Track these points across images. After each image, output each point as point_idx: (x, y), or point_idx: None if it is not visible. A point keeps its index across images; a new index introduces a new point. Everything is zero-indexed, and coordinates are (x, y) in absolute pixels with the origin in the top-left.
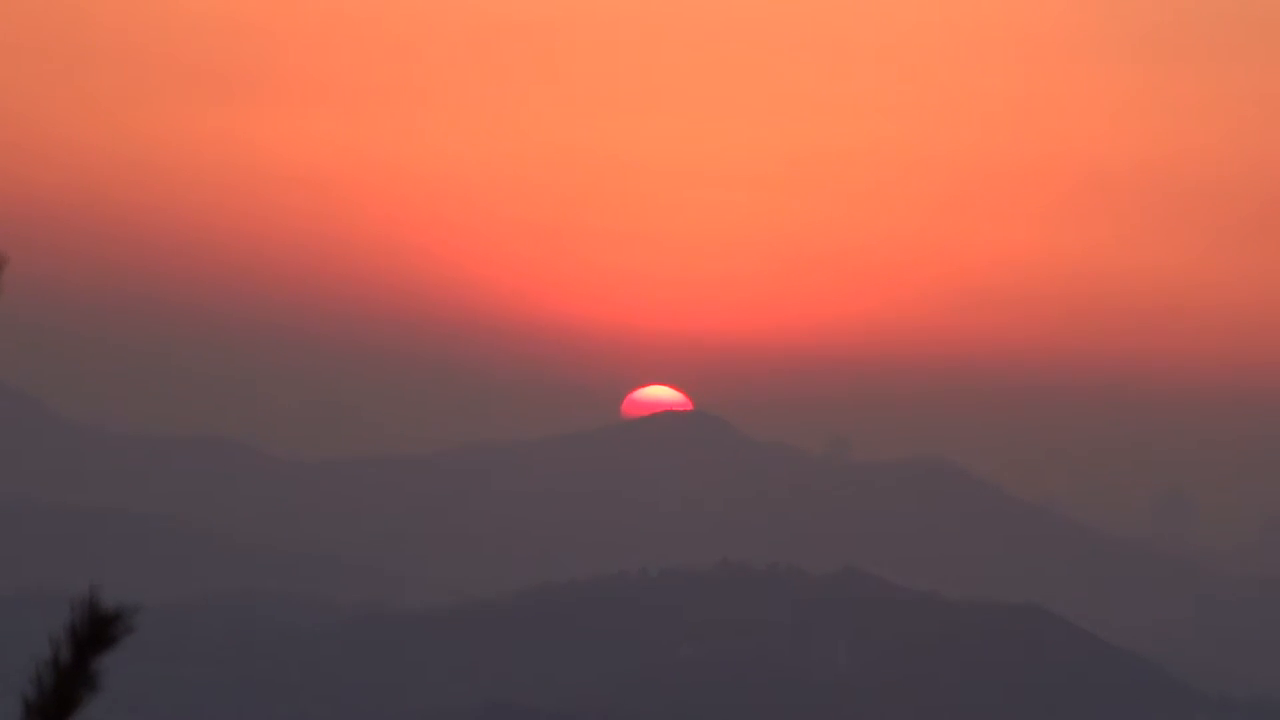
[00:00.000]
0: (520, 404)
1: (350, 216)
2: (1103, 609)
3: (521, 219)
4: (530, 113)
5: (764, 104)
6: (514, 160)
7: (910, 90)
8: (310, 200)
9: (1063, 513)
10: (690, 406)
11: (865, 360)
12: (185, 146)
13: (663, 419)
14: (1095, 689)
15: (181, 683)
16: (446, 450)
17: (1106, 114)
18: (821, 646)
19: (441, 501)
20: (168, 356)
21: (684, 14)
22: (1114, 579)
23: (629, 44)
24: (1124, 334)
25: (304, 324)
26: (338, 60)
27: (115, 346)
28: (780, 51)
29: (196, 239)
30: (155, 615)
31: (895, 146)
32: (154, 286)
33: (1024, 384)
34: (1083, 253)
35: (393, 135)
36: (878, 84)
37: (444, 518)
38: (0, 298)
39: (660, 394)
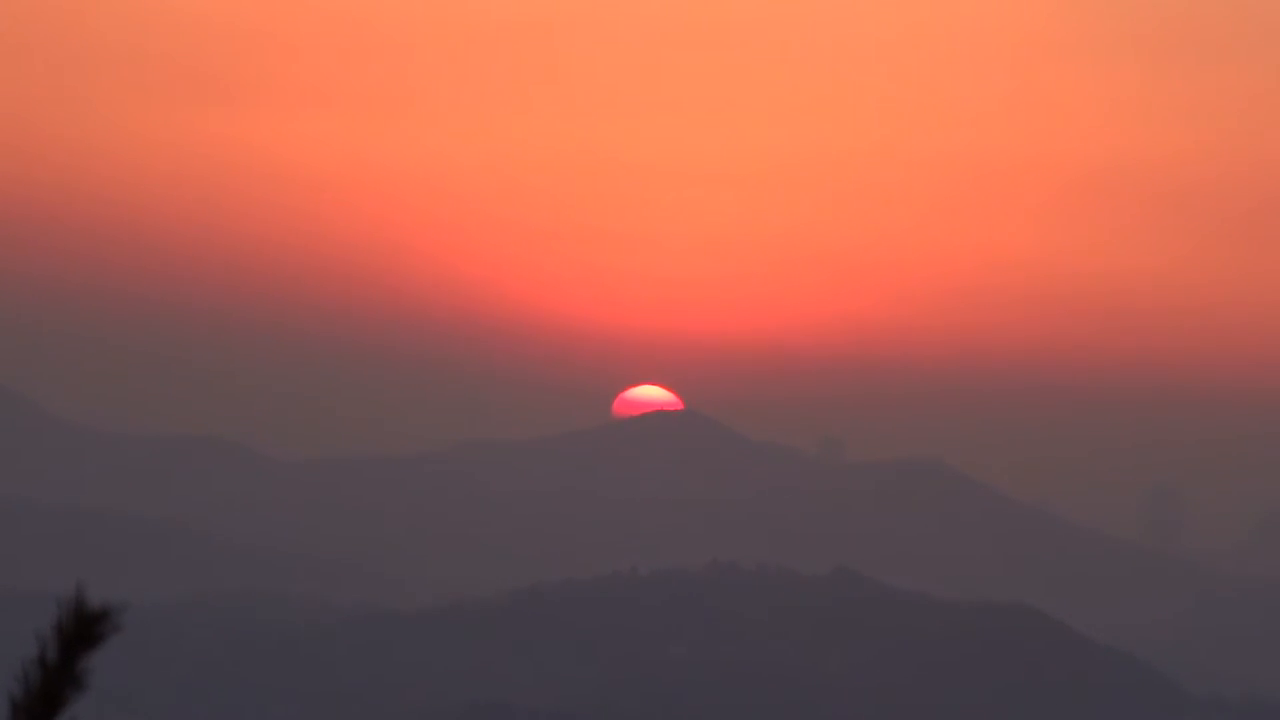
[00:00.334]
0: (512, 403)
1: (343, 217)
2: (1095, 609)
3: (513, 219)
4: (521, 114)
5: (755, 104)
6: (506, 161)
7: (902, 90)
8: (304, 200)
9: (1056, 513)
10: (681, 406)
11: (857, 360)
12: (180, 147)
13: (654, 419)
14: (1087, 689)
15: (177, 683)
16: (438, 450)
17: (1099, 114)
18: (813, 647)
19: (433, 501)
20: (162, 356)
21: (676, 15)
22: (1106, 579)
23: (619, 46)
24: (1117, 333)
25: (298, 324)
26: (332, 61)
27: (110, 346)
28: (770, 51)
29: (191, 240)
30: (150, 615)
31: (888, 146)
32: (149, 287)
33: (1017, 384)
34: (1075, 252)
35: (385, 136)
36: (869, 84)
37: (435, 517)
38: None
39: (651, 394)
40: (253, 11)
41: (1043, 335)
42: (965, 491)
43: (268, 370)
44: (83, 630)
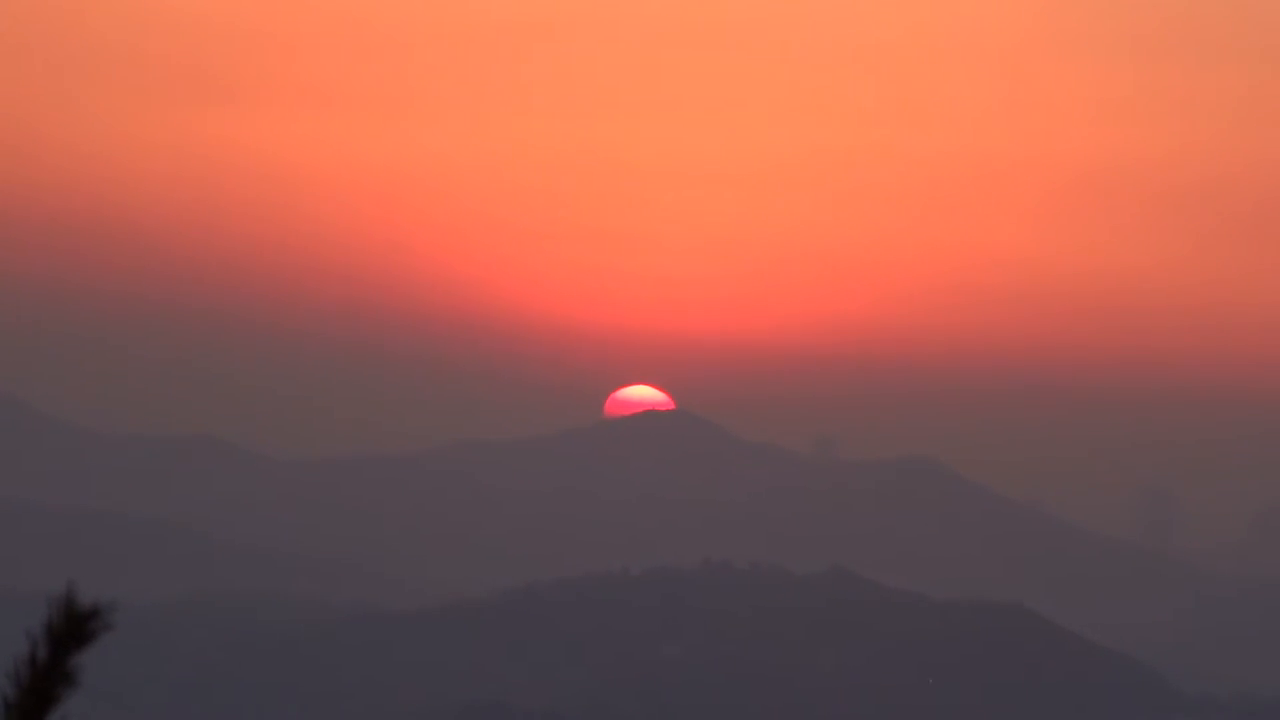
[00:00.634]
0: (504, 403)
1: (339, 216)
2: (1088, 609)
3: (507, 219)
4: (515, 114)
5: (750, 104)
6: (500, 161)
7: (896, 90)
8: (300, 200)
9: (1049, 512)
10: (674, 406)
11: (851, 359)
12: (175, 147)
13: (646, 418)
14: (1080, 689)
15: (172, 682)
16: (430, 449)
17: (1093, 113)
18: (807, 647)
19: (428, 501)
20: (159, 357)
21: (671, 16)
22: (1099, 579)
23: (615, 46)
24: (1112, 333)
25: (294, 324)
26: (328, 62)
27: (106, 347)
28: (764, 51)
29: (187, 240)
30: (148, 615)
31: (882, 145)
32: (144, 287)
33: (1010, 383)
34: (1071, 252)
35: (380, 136)
36: (863, 83)
37: (431, 517)
38: None
39: (643, 393)
40: (250, 11)
41: (1038, 335)
42: (960, 491)
43: (265, 370)
44: (73, 629)
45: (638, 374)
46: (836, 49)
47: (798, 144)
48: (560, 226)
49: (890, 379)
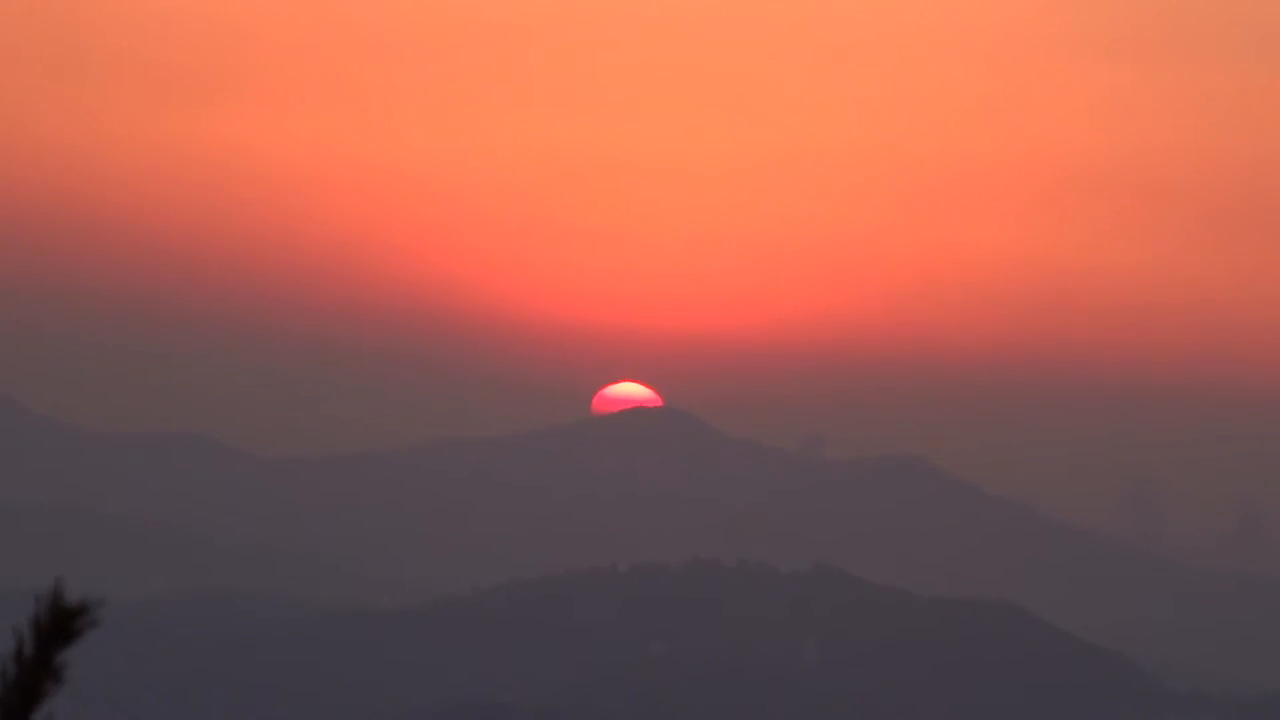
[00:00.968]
0: (491, 400)
1: (325, 214)
2: (1077, 606)
3: (493, 216)
4: (501, 112)
5: (735, 102)
6: (486, 159)
7: (883, 88)
8: (286, 198)
9: (1037, 510)
10: (661, 403)
11: (838, 357)
12: (163, 146)
13: (633, 415)
14: (1069, 686)
15: (157, 680)
16: (417, 447)
17: (1079, 112)
18: (792, 645)
19: (413, 498)
20: (142, 354)
21: (657, 14)
22: (1088, 576)
23: (601, 44)
24: (1098, 330)
25: (278, 321)
26: (316, 60)
27: (89, 344)
28: (751, 50)
29: (173, 238)
30: (129, 613)
31: (869, 144)
32: (131, 285)
33: (999, 381)
34: (1058, 249)
35: (366, 135)
36: (850, 82)
37: (415, 514)
38: None
39: (631, 390)
40: (238, 11)
41: (1026, 332)
42: (948, 489)
43: (250, 368)
44: (59, 625)
45: (625, 371)
46: (825, 47)
47: (785, 141)
48: (547, 224)
49: (878, 376)
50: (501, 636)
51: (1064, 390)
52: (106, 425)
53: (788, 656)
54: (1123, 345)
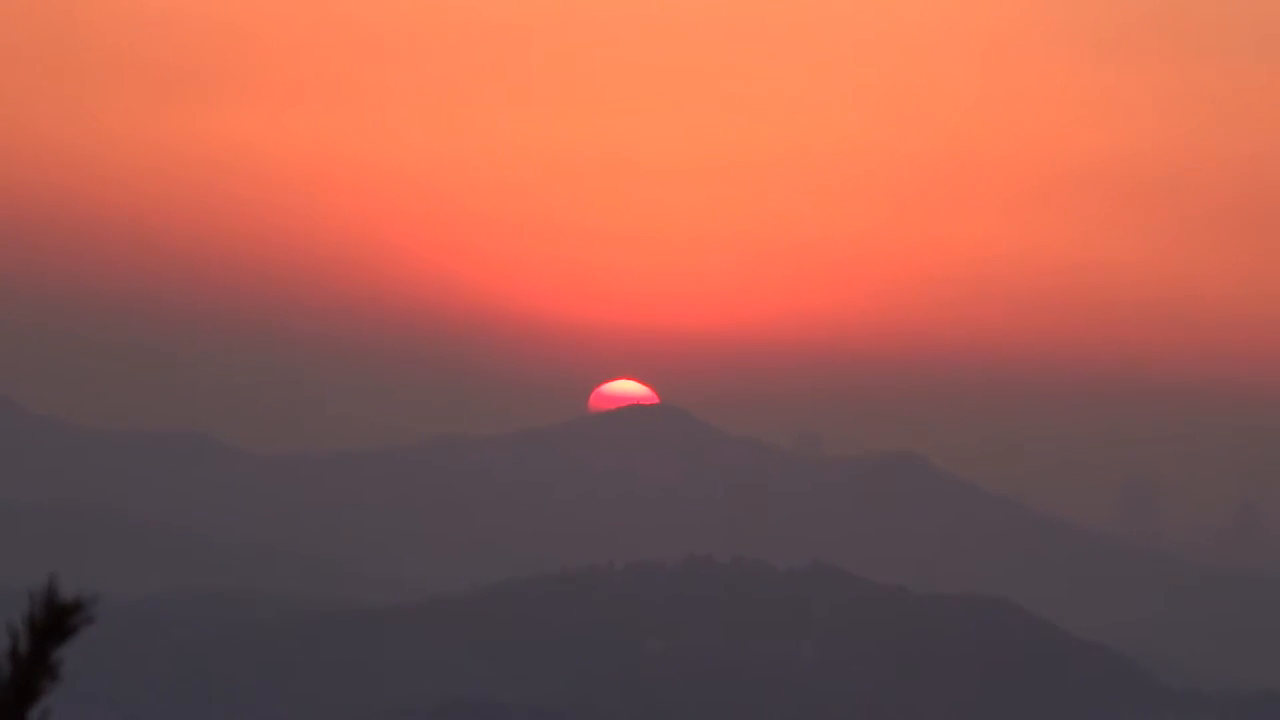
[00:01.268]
0: (486, 398)
1: (322, 212)
2: (1073, 603)
3: (490, 214)
4: (497, 111)
5: (730, 100)
6: (482, 157)
7: (877, 85)
8: (283, 196)
9: (1032, 507)
10: (657, 400)
11: (835, 354)
12: (164, 145)
13: (630, 413)
14: (1065, 684)
15: (156, 679)
16: (412, 445)
17: (1072, 110)
18: (789, 642)
19: (408, 496)
20: (139, 352)
21: (651, 12)
22: (1084, 573)
23: (595, 43)
24: (1094, 327)
25: (274, 319)
26: (313, 58)
27: (86, 342)
28: (744, 47)
29: (172, 237)
30: (128, 611)
31: (864, 141)
32: (130, 283)
33: (993, 378)
34: (1052, 247)
35: (363, 133)
36: (844, 79)
37: (411, 513)
38: None
39: (627, 388)
40: (238, 10)
41: (1021, 329)
42: (943, 486)
43: (246, 366)
44: (55, 622)
45: (622, 368)
46: (818, 45)
47: (781, 139)
48: (544, 222)
49: (875, 373)
50: (499, 634)
51: (1060, 387)
52: (105, 424)
53: (785, 654)
54: (1118, 342)
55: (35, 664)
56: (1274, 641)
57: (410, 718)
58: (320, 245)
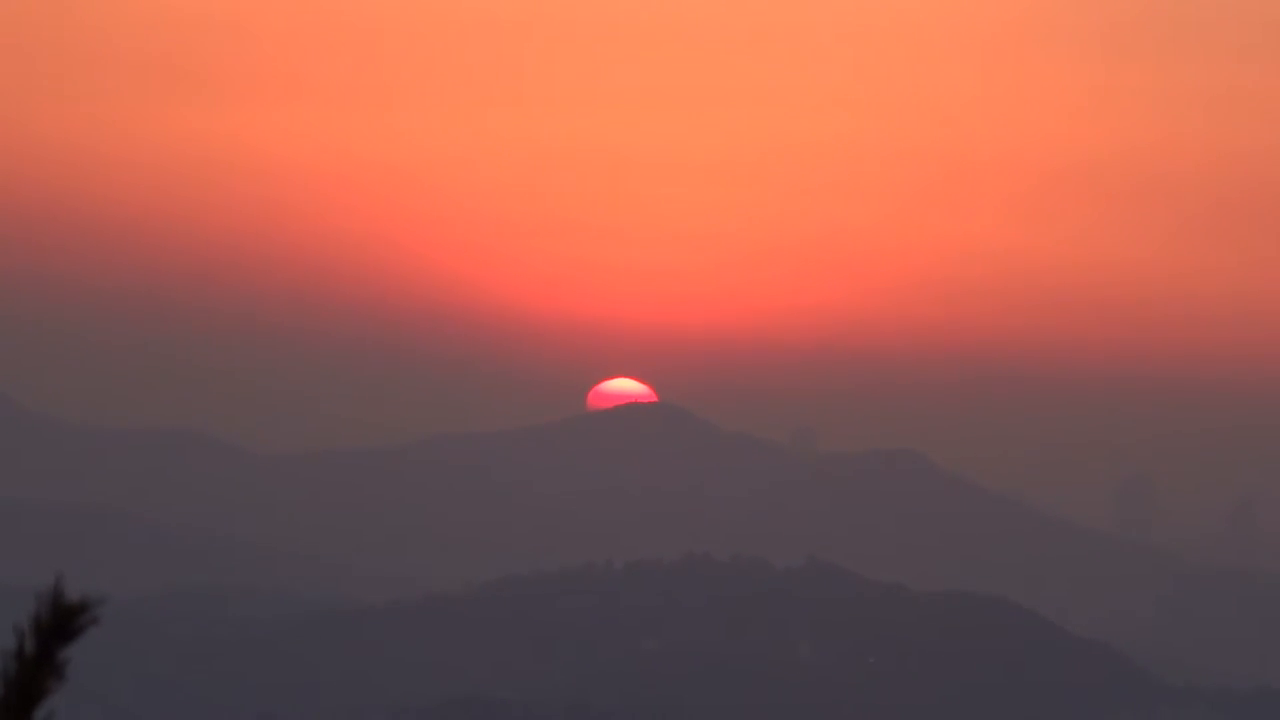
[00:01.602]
0: (484, 396)
1: (320, 210)
2: (1069, 600)
3: (488, 212)
4: (495, 107)
5: (729, 97)
6: (480, 154)
7: (876, 82)
8: (282, 194)
9: (1029, 504)
10: (655, 398)
11: (831, 351)
12: (159, 142)
13: (628, 411)
14: (1062, 680)
15: (154, 678)
16: (409, 444)
17: (1073, 108)
18: (787, 639)
19: (406, 494)
20: (137, 350)
21: (649, 9)
22: (1081, 570)
23: (593, 40)
24: (1092, 325)
25: (273, 317)
26: (310, 55)
27: (85, 341)
28: (745, 45)
29: (172, 234)
30: (127, 610)
31: (862, 138)
32: (129, 281)
33: (991, 375)
34: (1049, 245)
35: (361, 130)
36: (843, 77)
37: (408, 510)
38: None
39: (625, 386)
40: (237, 7)
41: (1017, 327)
42: (940, 483)
43: (243, 364)
44: (60, 623)
45: (619, 366)
46: (816, 42)
47: (780, 136)
48: (542, 219)
49: (871, 371)
50: (496, 633)
51: (1058, 384)
52: (105, 422)
53: (782, 652)
54: (1116, 339)
55: (41, 664)
56: (1272, 638)
57: (409, 715)
58: (319, 243)
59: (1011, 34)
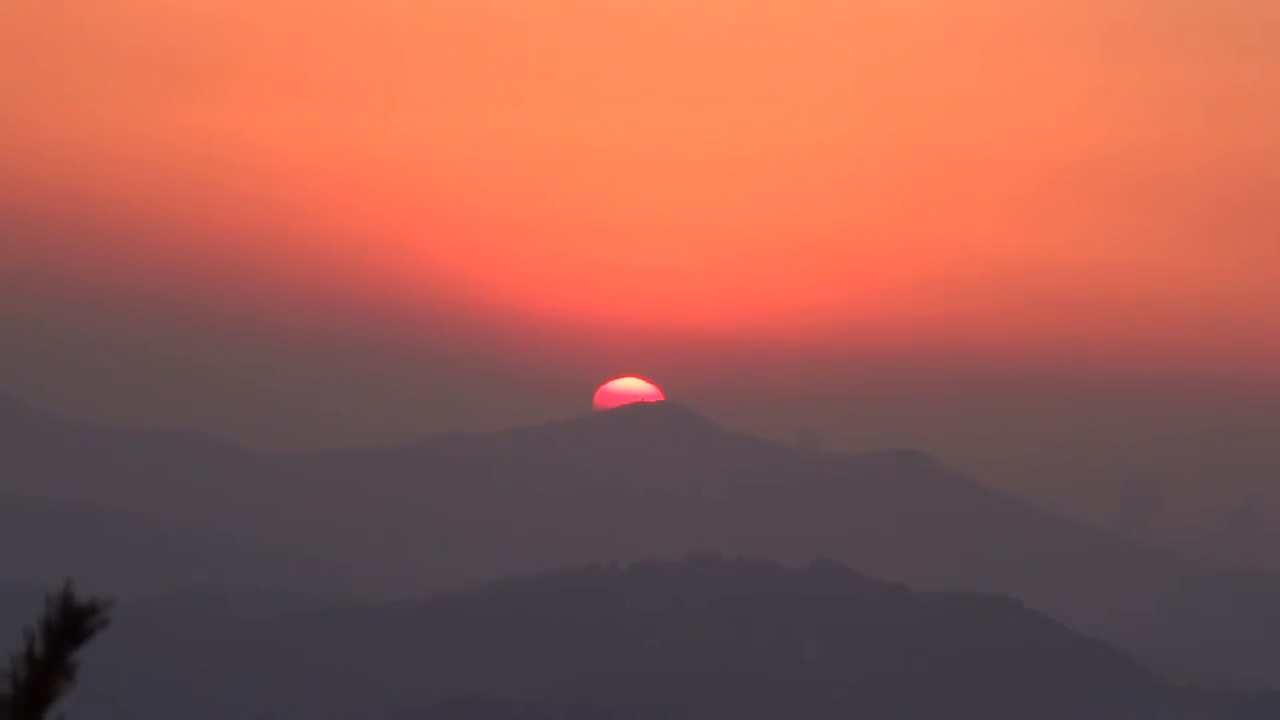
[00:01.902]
0: (491, 396)
1: (322, 208)
2: (1073, 600)
3: (494, 210)
4: (500, 105)
5: (735, 95)
6: (485, 152)
7: (878, 83)
8: (284, 192)
9: (1033, 504)
10: (662, 398)
11: (836, 352)
12: (161, 140)
13: (634, 411)
14: (1065, 680)
15: (155, 677)
16: (416, 443)
17: (1076, 108)
18: (792, 639)
19: (411, 494)
20: (139, 350)
21: (653, 7)
22: (1084, 570)
23: (597, 37)
24: (1093, 325)
25: (275, 316)
26: (311, 52)
27: (89, 341)
28: (748, 43)
29: (173, 233)
30: (128, 610)
31: (866, 138)
32: (130, 281)
33: (995, 375)
34: (1051, 245)
35: (363, 128)
36: (846, 76)
37: (413, 510)
38: None
39: (632, 386)
40: (238, 4)
41: (1022, 327)
42: (944, 483)
43: (245, 363)
44: (71, 625)
45: (626, 366)
46: (819, 41)
47: (786, 136)
48: (548, 218)
49: (877, 371)
50: (500, 633)
51: (1061, 385)
52: (106, 422)
53: (787, 651)
54: (1119, 339)
55: (51, 666)
56: (1273, 639)
57: (410, 715)
58: (323, 242)
59: (1013, 34)
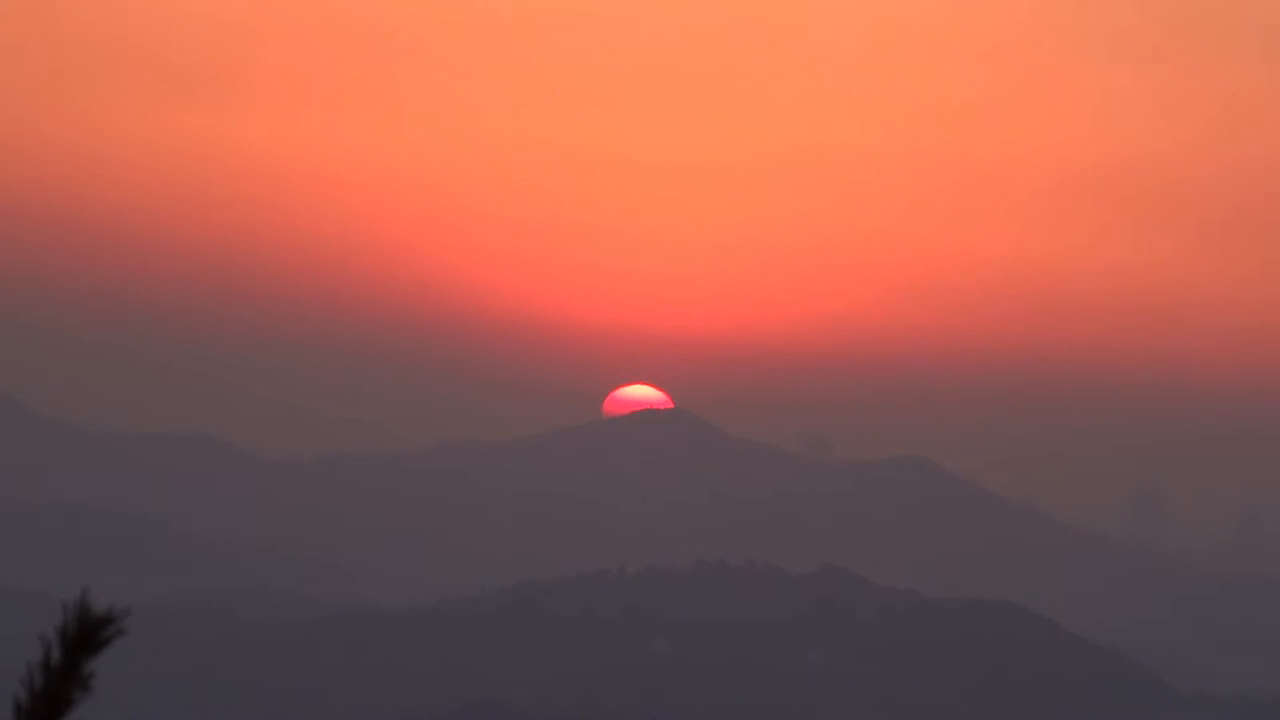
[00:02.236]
0: (500, 402)
1: (329, 212)
2: (1081, 606)
3: (502, 216)
4: (508, 110)
5: (744, 101)
6: (494, 158)
7: (887, 87)
8: (291, 197)
9: (1042, 510)
10: (671, 405)
11: (845, 358)
12: (164, 144)
13: (643, 417)
14: (1072, 687)
15: (157, 681)
16: (425, 448)
17: (1082, 114)
18: (798, 645)
19: (420, 500)
20: (146, 354)
21: (661, 12)
22: (1092, 576)
23: (606, 43)
24: (1103, 332)
25: (283, 321)
26: (319, 58)
27: (93, 344)
28: (755, 50)
29: (175, 236)
30: (133, 612)
31: (875, 145)
32: (133, 284)
33: (1003, 382)
34: (1061, 251)
35: (370, 132)
36: (856, 83)
37: (422, 516)
38: None
39: (641, 392)
40: (242, 8)
41: (1028, 333)
42: (953, 490)
43: (252, 367)
44: (87, 634)
45: (636, 373)
46: (826, 47)
47: (794, 143)
48: (557, 224)
49: (886, 378)
50: (507, 638)
51: (1069, 391)
52: (109, 425)
53: (794, 657)
54: (1127, 345)
55: (67, 676)
56: None
57: None
58: (330, 246)
59: (1021, 40)
